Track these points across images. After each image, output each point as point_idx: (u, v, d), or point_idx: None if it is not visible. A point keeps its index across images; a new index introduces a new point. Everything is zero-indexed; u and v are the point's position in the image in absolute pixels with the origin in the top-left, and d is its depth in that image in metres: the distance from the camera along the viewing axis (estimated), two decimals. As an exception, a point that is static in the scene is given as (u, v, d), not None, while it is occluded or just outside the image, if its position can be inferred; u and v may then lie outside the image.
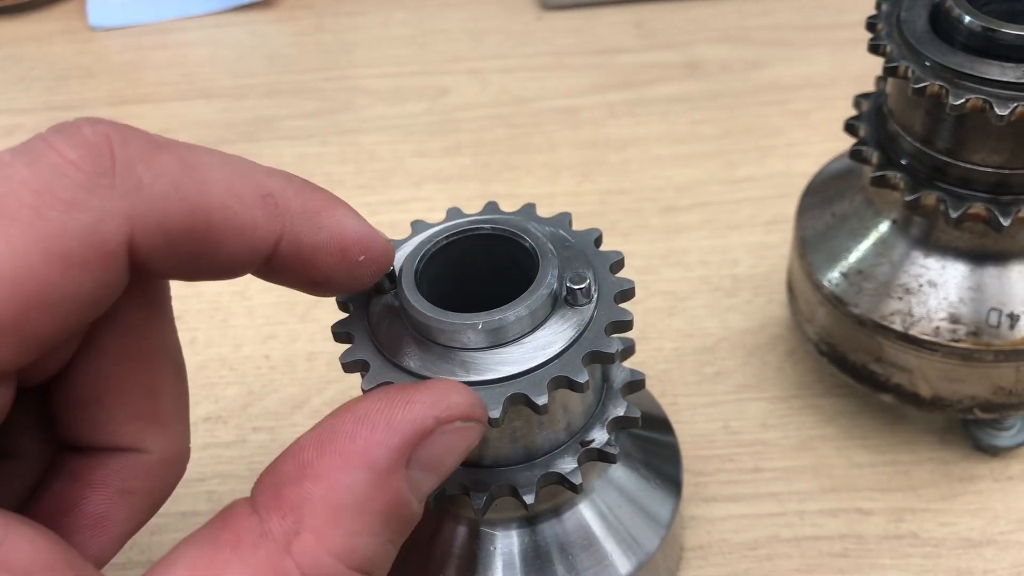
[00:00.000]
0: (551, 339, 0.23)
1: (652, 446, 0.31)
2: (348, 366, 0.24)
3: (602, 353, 0.23)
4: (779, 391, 0.38)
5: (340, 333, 0.24)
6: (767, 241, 0.43)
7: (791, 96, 0.51)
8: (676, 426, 0.37)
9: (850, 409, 0.37)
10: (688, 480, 0.35)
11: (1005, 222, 0.29)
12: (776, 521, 0.34)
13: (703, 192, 0.46)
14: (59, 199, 0.18)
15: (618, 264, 0.25)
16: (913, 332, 0.31)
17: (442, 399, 0.21)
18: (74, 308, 0.19)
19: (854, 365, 0.34)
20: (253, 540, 0.19)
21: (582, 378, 0.23)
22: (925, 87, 0.28)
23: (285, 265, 0.22)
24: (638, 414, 0.26)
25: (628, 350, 0.27)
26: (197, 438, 0.37)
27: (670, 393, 0.38)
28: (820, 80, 0.52)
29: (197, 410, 0.39)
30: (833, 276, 0.33)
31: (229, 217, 0.20)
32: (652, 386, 0.38)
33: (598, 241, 0.26)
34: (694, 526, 0.34)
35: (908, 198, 0.30)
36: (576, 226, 0.26)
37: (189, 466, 0.38)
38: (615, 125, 0.50)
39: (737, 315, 0.41)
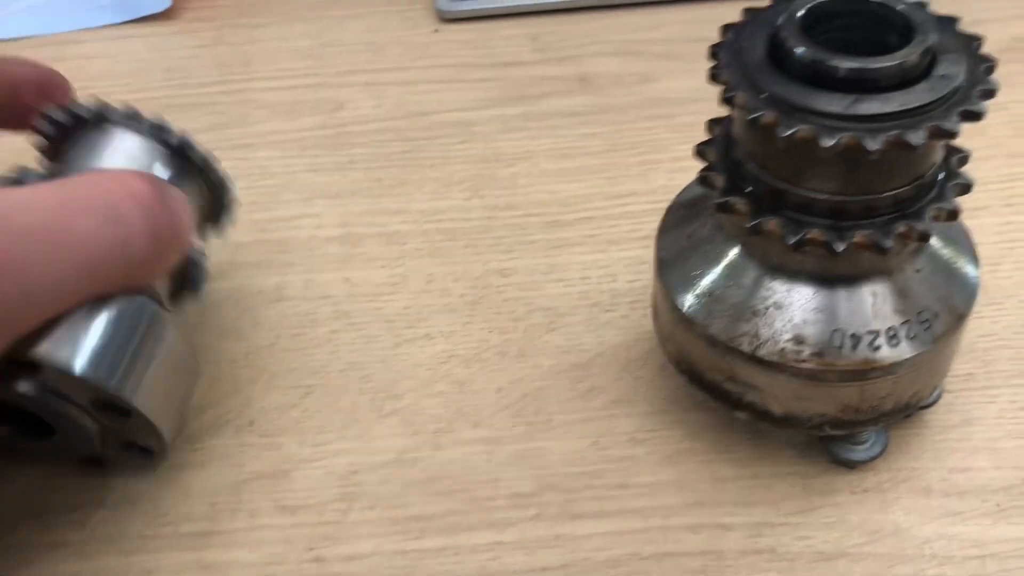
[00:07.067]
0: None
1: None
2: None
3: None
4: (649, 406, 0.38)
5: None
6: (644, 256, 0.43)
7: (677, 110, 0.51)
8: (547, 443, 0.38)
9: (717, 423, 0.38)
10: (557, 498, 0.36)
11: (839, 248, 0.30)
12: (638, 538, 0.35)
13: (587, 207, 0.46)
14: None
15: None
16: (760, 353, 0.32)
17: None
18: None
19: (710, 383, 0.34)
20: None
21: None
22: (759, 117, 0.29)
23: None
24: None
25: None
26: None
27: (544, 411, 0.39)
28: (706, 94, 0.52)
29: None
30: (687, 298, 0.33)
31: None
32: (527, 405, 0.39)
33: None
34: (559, 545, 0.34)
35: (749, 224, 0.31)
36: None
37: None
38: (506, 139, 0.51)
39: (613, 330, 0.41)
